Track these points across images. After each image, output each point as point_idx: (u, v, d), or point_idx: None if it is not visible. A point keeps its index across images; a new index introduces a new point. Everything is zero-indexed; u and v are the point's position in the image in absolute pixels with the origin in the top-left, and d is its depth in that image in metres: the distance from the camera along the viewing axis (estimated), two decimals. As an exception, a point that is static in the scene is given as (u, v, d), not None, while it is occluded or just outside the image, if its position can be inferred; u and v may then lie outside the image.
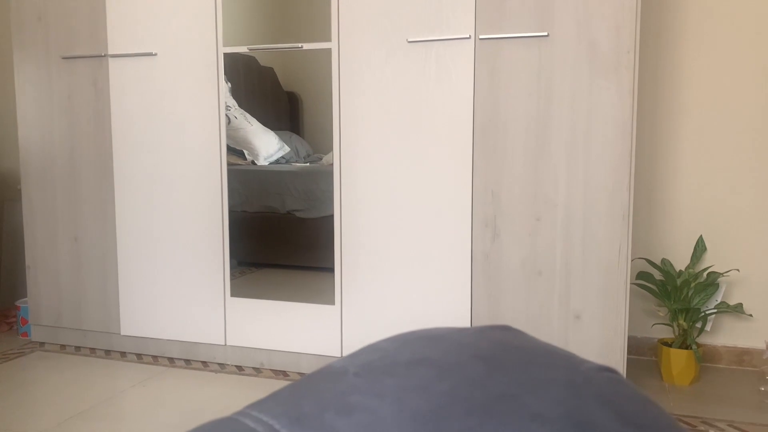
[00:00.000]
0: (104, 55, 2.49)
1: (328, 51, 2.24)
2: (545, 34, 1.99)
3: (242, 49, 2.37)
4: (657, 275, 2.41)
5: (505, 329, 0.40)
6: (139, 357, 2.55)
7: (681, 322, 2.26)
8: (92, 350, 2.64)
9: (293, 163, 3.27)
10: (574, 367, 0.34)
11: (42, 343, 2.72)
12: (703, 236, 2.42)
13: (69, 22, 2.53)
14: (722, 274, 2.31)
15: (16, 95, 2.64)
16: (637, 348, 2.51)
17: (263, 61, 3.24)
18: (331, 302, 2.31)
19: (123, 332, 2.57)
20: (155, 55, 2.42)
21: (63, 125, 2.58)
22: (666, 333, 2.47)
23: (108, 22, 2.47)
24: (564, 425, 0.29)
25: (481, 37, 2.04)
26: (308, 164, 3.29)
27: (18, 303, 2.82)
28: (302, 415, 0.31)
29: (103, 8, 2.47)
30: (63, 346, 2.69)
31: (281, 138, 3.31)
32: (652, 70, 2.44)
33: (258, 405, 0.33)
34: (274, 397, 0.34)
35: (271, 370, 2.41)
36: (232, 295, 2.43)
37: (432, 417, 0.29)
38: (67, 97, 2.56)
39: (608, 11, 1.94)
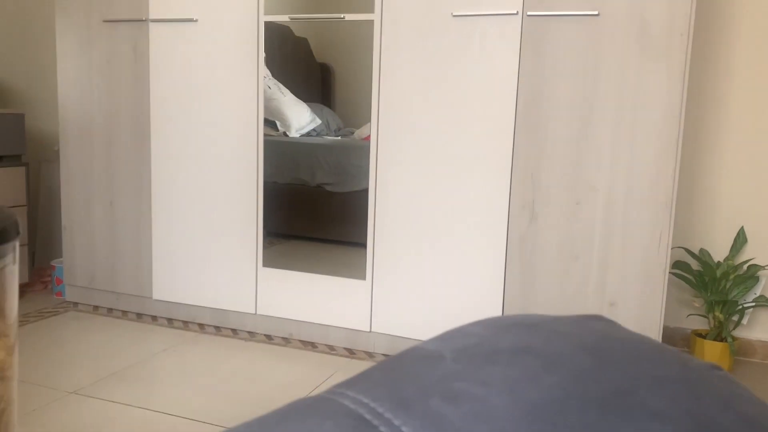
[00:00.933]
0: (145, 20, 2.48)
1: (370, 23, 2.20)
2: (595, 13, 1.93)
3: (284, 18, 2.34)
4: (695, 265, 2.37)
5: (600, 319, 0.39)
6: (170, 322, 2.59)
7: (717, 314, 2.22)
8: (124, 313, 2.68)
9: (324, 136, 3.26)
10: (684, 363, 0.33)
11: (75, 304, 2.77)
12: (745, 228, 2.36)
13: (111, -15, 2.52)
14: (763, 267, 2.26)
15: (57, 57, 2.66)
16: (669, 338, 2.48)
17: (298, 32, 3.22)
18: (362, 277, 2.31)
19: (155, 296, 2.61)
20: (196, 21, 2.41)
21: (102, 89, 2.59)
22: (700, 324, 2.43)
23: (150, -14, 2.45)
24: (687, 425, 0.27)
25: (528, 13, 1.99)
26: (340, 138, 3.28)
27: (53, 263, 2.87)
28: (405, 399, 0.29)
29: (146, -28, 2.45)
30: (96, 308, 2.73)
31: (313, 110, 3.29)
32: (702, 54, 2.37)
33: (352, 385, 0.32)
34: (367, 377, 0.33)
35: (299, 340, 2.42)
36: (264, 265, 2.44)
37: (547, 410, 0.28)
38: (107, 61, 2.57)
39: (663, -9, 1.87)
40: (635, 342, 0.34)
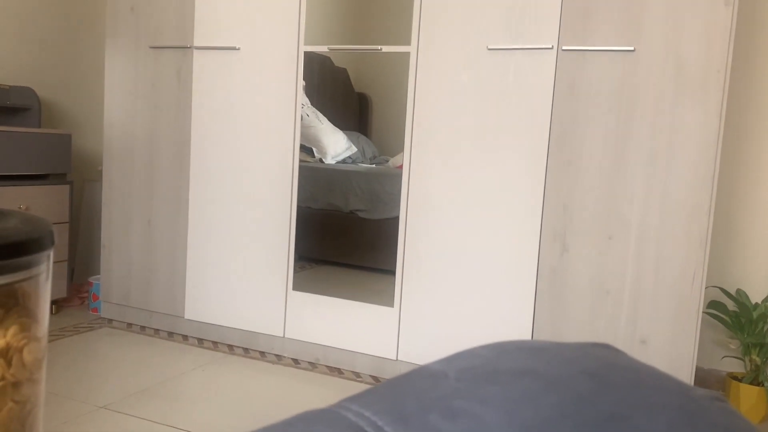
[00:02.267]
0: (189, 47, 2.57)
1: (406, 55, 2.24)
2: (631, 48, 1.93)
3: (322, 49, 2.40)
4: (730, 306, 2.31)
5: (606, 347, 0.39)
6: (200, 342, 2.62)
7: (754, 357, 2.16)
8: (156, 331, 2.73)
9: (359, 164, 3.30)
10: (685, 392, 0.33)
11: (110, 320, 2.84)
12: (784, 269, 2.30)
13: (159, 14, 2.63)
14: (803, 310, 2.19)
15: (105, 81, 2.76)
16: (703, 380, 2.41)
17: (337, 62, 3.28)
18: (390, 304, 2.31)
19: (187, 316, 2.65)
20: (238, 49, 2.49)
21: (145, 112, 2.68)
22: (736, 367, 2.36)
23: (196, 15, 2.55)
24: (680, 452, 0.28)
25: (564, 48, 2.01)
26: (374, 165, 3.31)
27: (91, 279, 2.94)
28: (405, 414, 0.30)
29: (192, 2, 2.55)
30: (130, 325, 2.79)
31: (349, 138, 3.34)
32: (739, 91, 2.34)
33: (357, 399, 0.33)
34: (372, 393, 0.34)
35: (326, 366, 2.43)
36: (294, 288, 2.46)
37: (541, 430, 0.28)
38: (152, 86, 2.66)
39: (700, 28, 1.87)
40: (637, 370, 0.35)
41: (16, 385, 0.59)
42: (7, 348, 0.56)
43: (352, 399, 0.34)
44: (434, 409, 0.30)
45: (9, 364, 0.57)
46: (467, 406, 0.30)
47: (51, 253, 0.64)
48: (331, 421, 0.31)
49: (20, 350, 0.59)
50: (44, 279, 0.64)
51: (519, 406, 0.30)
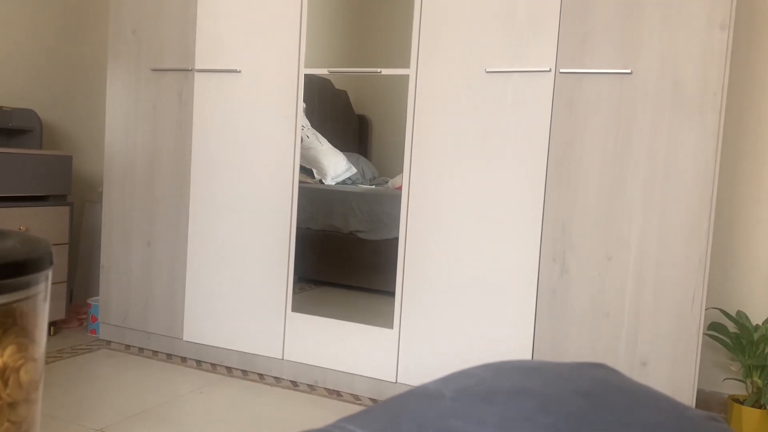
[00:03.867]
0: (191, 69, 2.59)
1: (405, 77, 2.26)
2: (628, 71, 1.95)
3: (323, 71, 2.42)
4: (731, 327, 2.30)
5: (601, 367, 0.39)
6: (199, 363, 2.61)
7: (756, 379, 2.14)
8: (155, 353, 2.71)
9: (359, 185, 3.31)
10: (680, 412, 0.33)
11: (108, 342, 2.82)
12: (784, 290, 2.30)
13: (161, 37, 2.65)
14: (804, 331, 2.18)
15: (106, 103, 2.79)
16: (705, 402, 2.39)
17: (338, 84, 3.31)
18: (390, 326, 2.30)
19: (185, 338, 2.64)
20: (239, 72, 2.51)
21: (146, 133, 2.70)
22: (737, 389, 2.34)
23: (197, 38, 2.58)
24: (675, 472, 0.28)
25: (561, 70, 2.03)
26: (374, 187, 3.32)
27: (90, 300, 2.93)
28: (401, 434, 0.30)
29: (194, 25, 2.58)
30: (128, 346, 2.77)
31: (349, 159, 3.36)
32: (736, 112, 2.36)
33: (354, 419, 0.33)
34: (368, 413, 0.34)
35: (325, 388, 2.41)
36: (293, 309, 2.46)
37: (536, 449, 0.28)
38: (153, 107, 2.68)
39: (696, 51, 1.89)
40: (632, 389, 0.35)
41: (12, 405, 0.59)
42: (4, 368, 0.56)
43: (349, 419, 0.34)
44: (430, 429, 0.30)
45: (5, 384, 0.57)
46: (463, 426, 0.30)
47: (49, 273, 0.64)
48: (327, 441, 0.31)
49: (17, 370, 0.58)
50: (42, 299, 0.64)
51: (514, 425, 0.30)
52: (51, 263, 0.63)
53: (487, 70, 2.12)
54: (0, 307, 0.55)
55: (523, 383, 0.34)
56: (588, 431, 0.30)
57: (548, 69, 2.04)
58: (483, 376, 0.37)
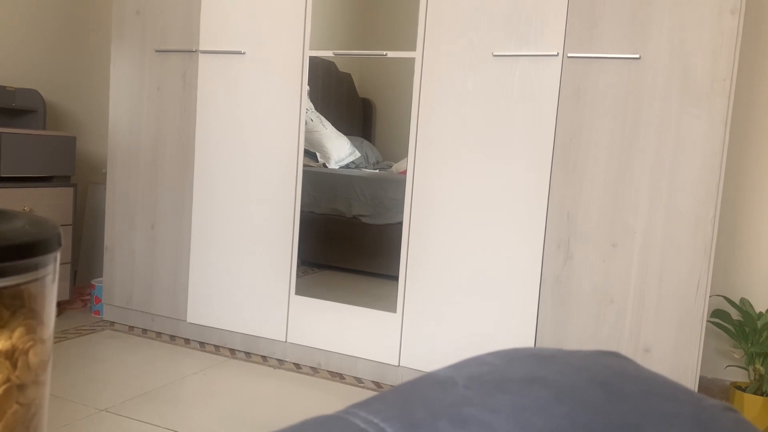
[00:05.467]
0: (195, 51, 2.58)
1: (410, 60, 2.24)
2: (637, 56, 1.93)
3: (327, 54, 2.41)
4: (734, 315, 2.30)
5: (616, 356, 0.39)
6: (202, 345, 2.62)
7: (758, 366, 2.15)
8: (158, 334, 2.72)
9: (363, 169, 3.30)
10: (697, 402, 0.33)
11: (112, 323, 2.83)
12: (789, 279, 2.29)
13: (165, 18, 2.63)
14: (807, 320, 2.18)
15: (110, 84, 2.77)
16: (707, 389, 2.40)
17: (342, 67, 3.29)
18: (393, 310, 2.31)
19: (189, 320, 2.65)
20: (244, 53, 2.49)
21: (150, 115, 2.69)
22: (740, 376, 2.34)
23: (202, 19, 2.56)
24: (693, 463, 0.27)
25: (569, 55, 2.01)
26: (377, 171, 3.31)
27: (93, 282, 2.94)
28: (415, 421, 0.30)
29: (199, 6, 2.56)
30: (131, 328, 2.79)
31: (353, 143, 3.34)
32: (745, 100, 2.34)
33: (365, 405, 0.33)
34: (380, 399, 0.34)
35: (327, 371, 2.42)
36: (296, 293, 2.46)
37: (552, 439, 0.28)
38: (157, 89, 2.67)
39: (706, 36, 1.87)
40: (648, 379, 0.34)
41: (21, 387, 0.59)
42: (13, 350, 0.56)
43: (360, 405, 0.33)
44: (443, 417, 0.30)
45: (14, 366, 0.57)
46: (477, 414, 0.30)
47: (58, 255, 0.64)
48: (340, 428, 0.31)
49: (26, 352, 0.58)
50: (50, 281, 0.64)
51: (529, 414, 0.29)
52: (60, 245, 0.63)
53: (495, 53, 2.10)
54: (8, 288, 0.55)
55: (537, 372, 0.34)
56: (605, 421, 0.29)
57: (556, 53, 2.02)
58: (496, 364, 0.36)
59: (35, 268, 0.59)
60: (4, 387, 0.56)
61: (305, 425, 0.32)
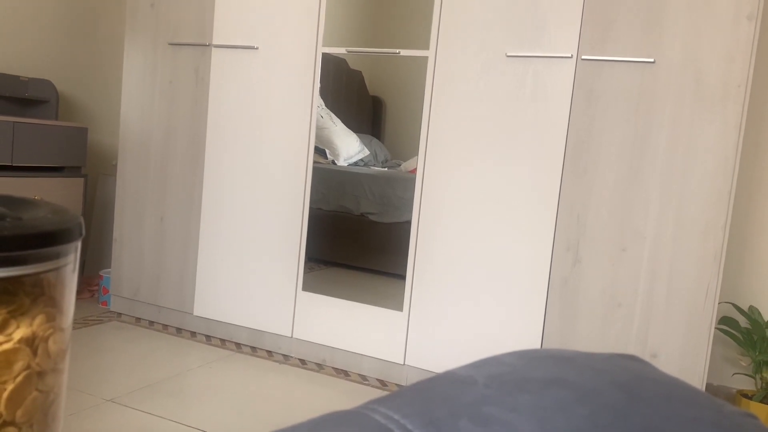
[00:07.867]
0: (208, 45, 2.58)
1: (422, 59, 2.24)
2: (651, 60, 1.92)
3: (340, 51, 2.41)
4: (743, 322, 2.29)
5: (635, 359, 0.39)
6: (208, 339, 2.63)
7: (765, 374, 2.14)
8: (165, 327, 2.73)
9: (371, 167, 3.30)
10: (717, 408, 0.33)
11: (119, 314, 2.85)
12: (798, 287, 2.28)
13: (179, 11, 2.64)
14: (816, 329, 2.17)
15: (123, 76, 2.78)
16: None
17: (353, 64, 3.29)
18: (399, 308, 2.31)
19: (196, 313, 2.66)
20: (257, 48, 2.49)
21: (162, 108, 2.69)
22: (746, 384, 2.33)
23: (215, 13, 2.56)
24: (715, 468, 0.27)
25: (583, 57, 2.00)
26: (386, 169, 3.31)
27: (101, 272, 2.96)
28: (435, 418, 0.30)
29: (212, 0, 2.56)
30: (138, 319, 2.80)
31: (362, 141, 3.34)
32: (759, 106, 2.33)
33: (384, 402, 0.33)
34: (399, 396, 0.34)
35: (332, 367, 2.43)
36: (303, 289, 2.46)
37: (574, 440, 0.28)
38: (169, 82, 2.67)
39: (721, 41, 1.86)
40: (669, 383, 0.34)
41: (41, 374, 0.59)
42: (33, 337, 0.57)
43: (380, 401, 0.33)
44: (464, 415, 0.30)
45: (35, 353, 0.57)
46: (498, 413, 0.30)
47: (78, 244, 0.64)
48: (360, 423, 0.31)
49: (46, 340, 0.59)
50: (71, 270, 0.64)
51: (551, 415, 0.29)
52: (81, 234, 0.64)
53: (508, 54, 2.09)
54: (30, 277, 0.56)
55: (557, 373, 0.34)
56: (626, 423, 0.29)
57: (570, 55, 2.01)
58: (515, 364, 0.36)
59: (56, 257, 0.59)
60: (24, 374, 0.57)
61: (324, 420, 0.32)
